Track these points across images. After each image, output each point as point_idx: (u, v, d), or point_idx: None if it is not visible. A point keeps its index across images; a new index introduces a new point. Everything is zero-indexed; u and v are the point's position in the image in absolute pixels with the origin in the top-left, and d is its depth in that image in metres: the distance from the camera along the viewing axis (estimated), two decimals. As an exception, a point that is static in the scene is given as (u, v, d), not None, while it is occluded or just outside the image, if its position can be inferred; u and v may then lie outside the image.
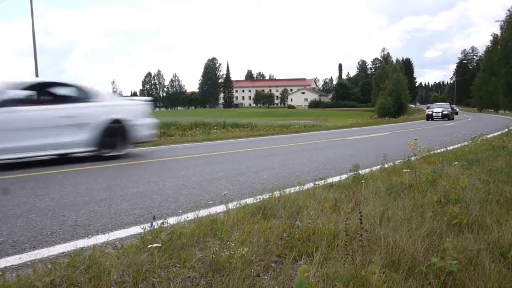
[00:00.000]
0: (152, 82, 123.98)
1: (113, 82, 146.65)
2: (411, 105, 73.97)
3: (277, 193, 3.72)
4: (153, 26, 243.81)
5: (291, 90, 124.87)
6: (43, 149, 6.92)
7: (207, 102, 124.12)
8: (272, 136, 15.83)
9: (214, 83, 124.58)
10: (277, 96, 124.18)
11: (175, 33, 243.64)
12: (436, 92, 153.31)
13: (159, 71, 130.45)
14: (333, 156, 8.25)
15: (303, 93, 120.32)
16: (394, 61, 77.33)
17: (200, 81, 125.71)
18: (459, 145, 8.46)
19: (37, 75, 23.27)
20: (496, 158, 5.75)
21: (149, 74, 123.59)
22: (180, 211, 3.67)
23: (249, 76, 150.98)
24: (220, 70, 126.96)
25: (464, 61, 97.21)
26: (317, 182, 4.19)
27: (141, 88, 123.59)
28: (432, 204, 3.35)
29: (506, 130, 12.44)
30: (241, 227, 2.86)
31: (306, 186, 4.19)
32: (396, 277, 2.07)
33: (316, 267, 2.18)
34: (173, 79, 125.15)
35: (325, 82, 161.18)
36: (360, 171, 4.66)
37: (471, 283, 2.13)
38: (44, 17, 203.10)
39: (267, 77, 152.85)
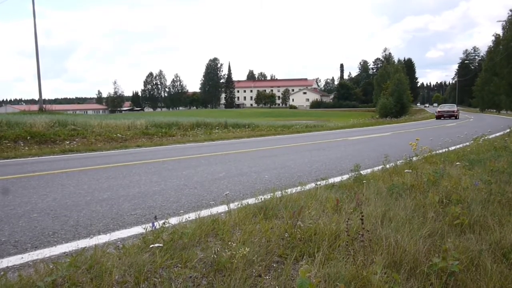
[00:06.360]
0: (154, 82, 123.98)
1: (115, 82, 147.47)
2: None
3: (278, 194, 3.71)
4: (154, 26, 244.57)
5: (293, 90, 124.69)
6: None
7: (208, 102, 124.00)
8: (273, 137, 15.83)
9: (216, 83, 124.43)
10: (279, 97, 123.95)
11: (177, 33, 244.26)
12: (438, 92, 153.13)
13: (160, 71, 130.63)
14: (334, 157, 8.25)
15: (304, 93, 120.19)
16: (396, 61, 76.99)
17: (202, 81, 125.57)
18: (461, 145, 8.45)
19: (39, 76, 23.29)
20: (498, 158, 5.74)
21: (150, 74, 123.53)
22: (182, 211, 3.67)
23: (251, 76, 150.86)
24: (222, 70, 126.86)
25: (466, 61, 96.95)
26: (318, 183, 4.19)
27: (142, 88, 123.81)
28: (434, 204, 3.35)
29: (508, 130, 12.42)
30: (242, 227, 2.86)
31: (308, 187, 4.19)
32: (397, 278, 2.07)
33: (318, 268, 2.18)
34: (175, 79, 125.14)
35: (326, 82, 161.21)
36: (361, 172, 4.66)
37: (473, 284, 2.13)
38: (46, 18, 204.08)
39: (268, 78, 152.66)
